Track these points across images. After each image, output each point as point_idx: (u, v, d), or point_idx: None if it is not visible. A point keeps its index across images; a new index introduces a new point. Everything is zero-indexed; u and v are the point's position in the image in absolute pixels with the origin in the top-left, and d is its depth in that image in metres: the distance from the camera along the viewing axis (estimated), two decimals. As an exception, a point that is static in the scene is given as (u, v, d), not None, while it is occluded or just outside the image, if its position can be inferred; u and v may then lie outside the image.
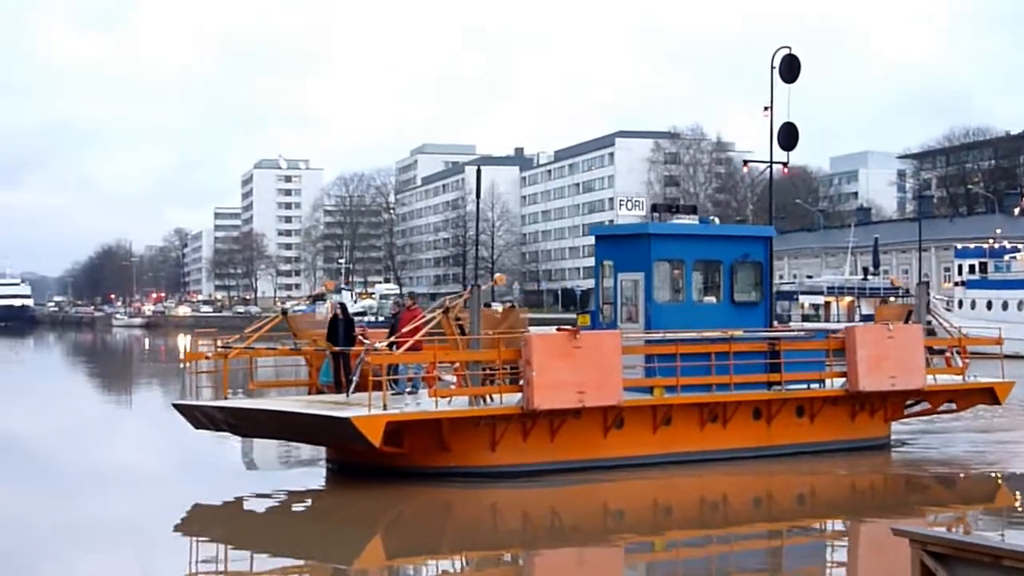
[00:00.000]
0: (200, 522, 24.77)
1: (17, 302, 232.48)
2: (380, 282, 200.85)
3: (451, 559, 22.24)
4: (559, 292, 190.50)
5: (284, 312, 30.09)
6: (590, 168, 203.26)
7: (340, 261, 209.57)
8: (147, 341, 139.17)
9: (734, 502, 27.66)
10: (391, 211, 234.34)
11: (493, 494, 27.01)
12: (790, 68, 32.33)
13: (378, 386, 26.06)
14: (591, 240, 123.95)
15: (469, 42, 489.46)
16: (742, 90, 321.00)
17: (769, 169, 33.46)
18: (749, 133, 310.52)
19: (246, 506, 26.21)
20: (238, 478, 29.60)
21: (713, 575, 21.33)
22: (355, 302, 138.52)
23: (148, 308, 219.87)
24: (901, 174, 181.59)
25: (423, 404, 26.66)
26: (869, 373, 30.81)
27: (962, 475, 30.29)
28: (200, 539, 23.01)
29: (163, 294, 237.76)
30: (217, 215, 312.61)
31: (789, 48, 32.65)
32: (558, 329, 27.72)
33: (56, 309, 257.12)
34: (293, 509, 26.62)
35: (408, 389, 28.32)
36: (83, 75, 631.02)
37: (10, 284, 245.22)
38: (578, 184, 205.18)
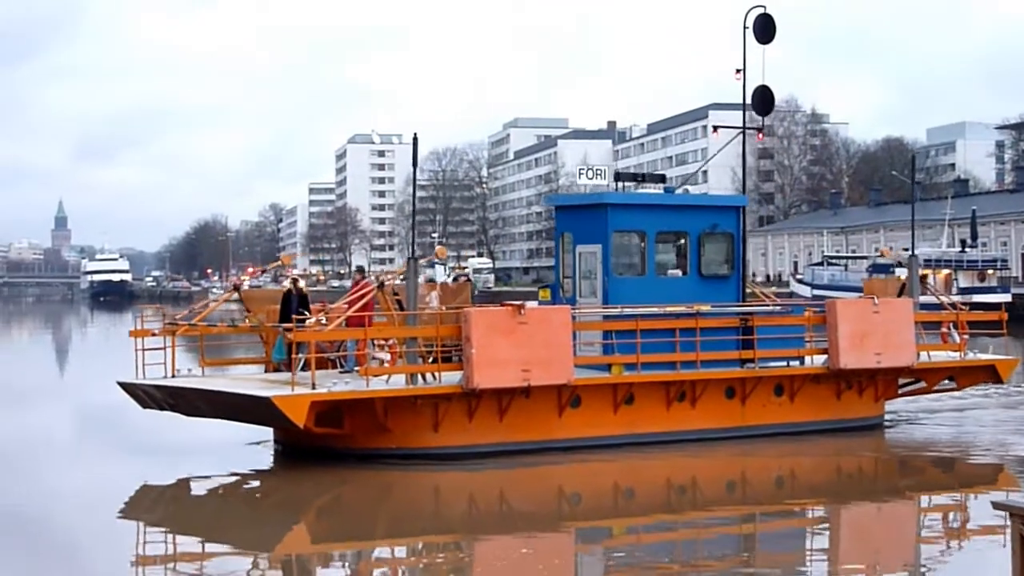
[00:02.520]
0: (144, 502, 24.10)
1: (116, 277, 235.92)
2: (473, 256, 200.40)
3: (384, 545, 21.16)
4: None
5: (236, 288, 29.07)
6: (683, 141, 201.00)
7: (433, 235, 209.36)
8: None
9: (704, 485, 26.17)
10: (484, 185, 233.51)
11: (436, 477, 25.83)
12: (764, 29, 30.64)
13: (318, 364, 25.24)
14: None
15: (562, 16, 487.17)
16: (838, 62, 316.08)
17: (742, 135, 31.74)
18: (845, 104, 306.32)
19: (192, 487, 25.55)
20: (190, 457, 28.60)
21: (678, 562, 19.71)
22: (448, 276, 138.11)
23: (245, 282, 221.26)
24: (999, 145, 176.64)
25: (352, 383, 25.48)
26: (851, 350, 29.17)
27: (961, 457, 28.51)
28: (137, 520, 22.67)
29: (260, 268, 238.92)
30: (311, 190, 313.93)
31: (764, 7, 30.94)
32: (501, 304, 26.42)
33: (154, 284, 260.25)
34: (233, 491, 25.61)
35: (350, 367, 27.24)
36: (181, 56, 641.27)
37: (109, 259, 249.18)
38: (671, 157, 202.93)
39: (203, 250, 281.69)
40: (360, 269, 30.20)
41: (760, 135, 32.39)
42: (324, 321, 26.40)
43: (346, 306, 26.51)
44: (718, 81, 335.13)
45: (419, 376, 25.95)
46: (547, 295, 29.96)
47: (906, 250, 34.08)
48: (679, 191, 31.32)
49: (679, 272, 29.76)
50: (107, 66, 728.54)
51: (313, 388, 24.64)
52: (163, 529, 21.78)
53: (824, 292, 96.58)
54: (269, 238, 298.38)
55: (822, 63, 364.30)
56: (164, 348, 27.61)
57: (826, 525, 23.28)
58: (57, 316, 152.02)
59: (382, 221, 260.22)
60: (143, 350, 27.63)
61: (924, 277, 31.56)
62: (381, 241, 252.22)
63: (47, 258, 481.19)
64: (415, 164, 26.06)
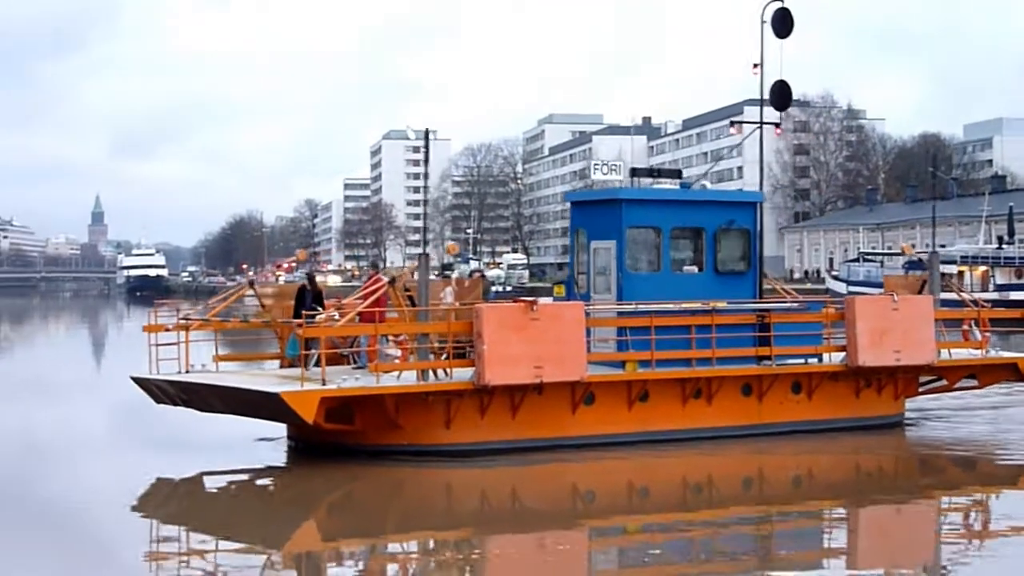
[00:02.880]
0: (157, 497, 24.04)
1: (152, 272, 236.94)
2: (508, 252, 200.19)
3: (395, 542, 21.07)
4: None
5: (251, 283, 28.96)
6: (718, 137, 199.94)
7: (468, 231, 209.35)
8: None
9: (720, 484, 25.91)
10: (518, 181, 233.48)
11: (448, 474, 25.67)
12: (783, 22, 30.25)
13: (332, 360, 25.11)
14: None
15: (596, 12, 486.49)
16: (874, 57, 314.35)
17: (759, 130, 31.40)
18: (881, 100, 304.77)
19: (205, 482, 25.41)
20: (205, 452, 28.55)
21: (693, 561, 19.48)
22: (483, 270, 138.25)
23: (282, 277, 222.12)
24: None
25: (362, 379, 25.34)
26: (870, 347, 28.84)
27: (984, 456, 28.23)
28: (150, 516, 22.58)
29: (292, 263, 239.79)
30: (347, 186, 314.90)
31: (782, 1, 30.56)
32: (514, 300, 26.24)
33: (189, 279, 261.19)
34: (245, 487, 25.55)
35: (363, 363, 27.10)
36: (216, 52, 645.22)
37: (145, 254, 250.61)
38: (706, 153, 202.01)
39: (239, 245, 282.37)
40: (374, 264, 30.16)
41: (778, 130, 31.98)
42: (336, 317, 26.32)
43: (358, 301, 26.35)
44: (753, 77, 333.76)
45: (430, 372, 25.78)
46: (562, 291, 29.79)
47: (936, 248, 33.48)
48: (696, 187, 30.96)
49: (695, 268, 29.45)
50: (145, 61, 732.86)
51: (323, 384, 24.51)
52: (175, 524, 21.68)
53: (860, 288, 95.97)
54: (304, 233, 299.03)
55: (859, 58, 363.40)
56: (178, 343, 27.50)
57: (844, 525, 23.01)
58: (93, 311, 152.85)
59: (417, 217, 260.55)
60: (157, 345, 27.54)
61: (960, 274, 31.13)
62: (416, 236, 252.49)
63: (84, 253, 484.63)
64: (426, 161, 25.97)
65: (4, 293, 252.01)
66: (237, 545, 20.38)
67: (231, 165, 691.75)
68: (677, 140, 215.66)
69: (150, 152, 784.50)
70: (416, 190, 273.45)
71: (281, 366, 28.70)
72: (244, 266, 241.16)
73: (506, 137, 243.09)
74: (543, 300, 27.08)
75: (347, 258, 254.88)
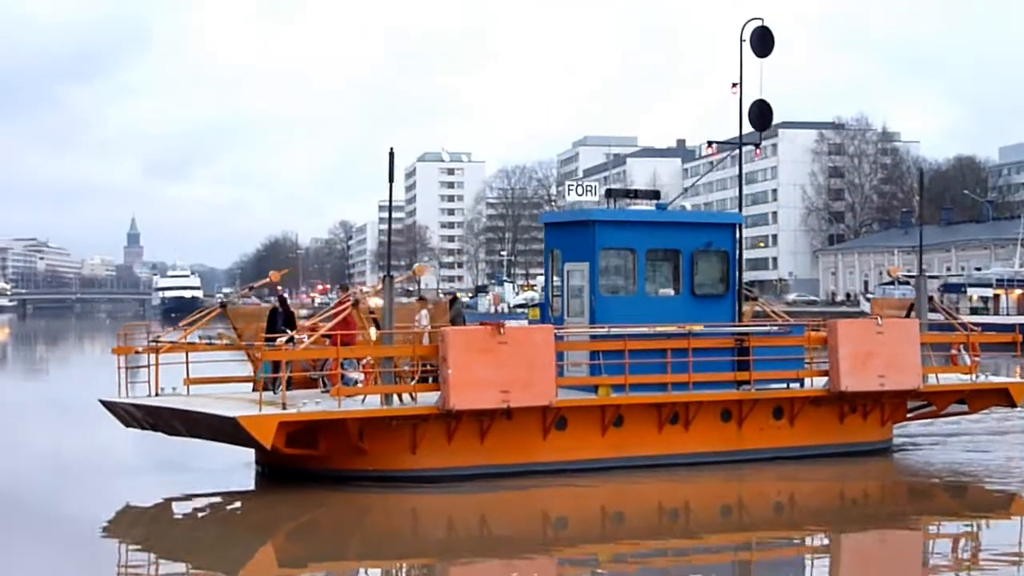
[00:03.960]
0: (124, 522, 23.76)
1: (187, 293, 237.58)
2: (542, 274, 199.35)
3: (355, 568, 20.75)
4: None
5: (223, 305, 28.59)
6: (753, 159, 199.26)
7: (502, 253, 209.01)
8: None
9: (698, 511, 25.36)
10: (553, 203, 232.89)
11: (415, 500, 25.25)
12: (762, 42, 29.77)
13: (303, 383, 25.27)
14: (755, 232, 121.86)
15: (632, 35, 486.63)
16: (909, 80, 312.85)
17: (739, 151, 30.86)
18: (916, 123, 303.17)
19: (174, 507, 25.11)
20: (179, 475, 28.22)
21: None
22: (517, 294, 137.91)
23: (316, 298, 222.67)
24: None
25: (323, 404, 24.92)
26: (853, 372, 28.23)
27: (974, 483, 27.50)
28: (118, 539, 22.46)
29: (328, 286, 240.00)
30: (381, 208, 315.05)
31: (761, 20, 30.08)
32: (481, 323, 25.77)
33: (223, 300, 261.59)
34: (210, 512, 25.20)
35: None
36: (250, 72, 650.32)
37: (180, 275, 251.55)
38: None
39: (273, 267, 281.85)
40: (343, 287, 29.67)
41: (757, 152, 31.42)
42: (305, 339, 25.94)
43: (323, 324, 25.98)
44: (786, 99, 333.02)
45: (395, 397, 25.36)
46: (536, 314, 29.30)
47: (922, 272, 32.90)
48: (674, 207, 30.45)
49: (671, 291, 28.91)
50: (178, 83, 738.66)
51: (284, 408, 24.12)
52: (136, 549, 21.44)
53: (896, 312, 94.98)
54: (339, 255, 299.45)
55: (893, 81, 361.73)
56: (148, 366, 27.18)
57: (827, 553, 22.48)
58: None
59: (451, 239, 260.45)
60: (126, 368, 27.24)
61: (996, 297, 30.42)
62: (450, 259, 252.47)
63: (119, 274, 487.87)
64: (391, 179, 25.49)
65: (40, 314, 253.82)
66: (194, 571, 20.11)
67: (265, 186, 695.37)
68: (711, 163, 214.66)
69: (185, 174, 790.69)
70: (451, 212, 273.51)
71: (254, 389, 28.28)
72: (279, 288, 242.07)
73: (540, 159, 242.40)
74: (513, 323, 26.59)
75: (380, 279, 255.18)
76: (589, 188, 29.06)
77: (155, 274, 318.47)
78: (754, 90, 30.25)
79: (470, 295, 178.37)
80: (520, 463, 26.32)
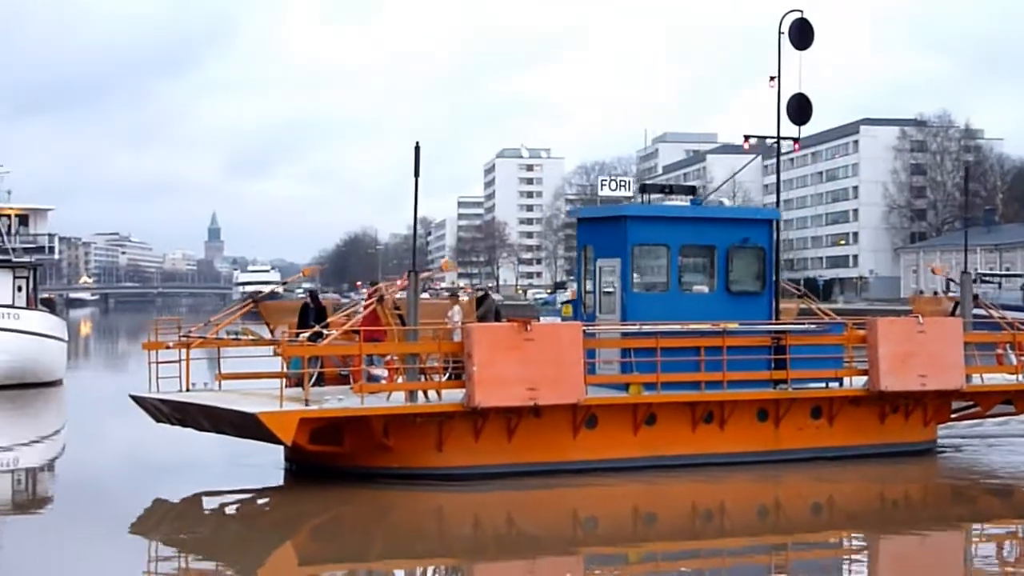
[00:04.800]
0: (153, 518, 23.65)
1: (266, 288, 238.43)
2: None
3: (378, 568, 20.40)
4: (801, 282, 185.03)
5: (255, 301, 28.49)
6: (834, 156, 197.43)
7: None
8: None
9: (733, 511, 24.82)
10: (632, 200, 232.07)
11: (440, 498, 24.96)
12: (802, 34, 29.13)
13: (334, 380, 25.47)
14: (835, 229, 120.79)
15: (714, 29, 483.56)
16: (993, 76, 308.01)
17: (777, 145, 30.24)
18: (1000, 120, 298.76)
19: (203, 502, 25.02)
20: (211, 471, 28.22)
21: None
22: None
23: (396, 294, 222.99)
24: None
25: (346, 400, 24.73)
26: (893, 371, 27.59)
27: (1020, 485, 26.96)
28: (141, 536, 22.31)
29: (407, 280, 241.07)
30: (460, 204, 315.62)
31: (801, 12, 29.44)
32: (507, 320, 25.48)
33: (304, 295, 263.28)
34: (236, 509, 25.08)
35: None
36: (332, 70, 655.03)
37: (260, 270, 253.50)
38: (821, 172, 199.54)
39: (353, 263, 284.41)
40: (373, 282, 29.47)
41: (796, 146, 30.77)
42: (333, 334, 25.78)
43: (344, 319, 25.81)
44: (868, 96, 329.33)
45: (420, 394, 25.13)
46: (569, 311, 28.89)
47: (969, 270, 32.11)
48: (716, 203, 29.97)
49: (705, 288, 28.43)
50: (260, 80, 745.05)
51: (306, 404, 23.95)
52: (160, 544, 21.38)
53: (977, 309, 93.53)
54: (418, 251, 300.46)
55: (977, 78, 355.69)
56: (179, 361, 27.13)
57: (864, 556, 21.86)
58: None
59: (530, 235, 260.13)
60: (157, 363, 27.18)
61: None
62: (529, 255, 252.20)
63: (200, 268, 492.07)
64: (417, 174, 25.22)
65: (122, 308, 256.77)
66: (213, 568, 20.02)
67: (345, 182, 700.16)
68: (792, 159, 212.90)
69: (265, 170, 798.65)
70: (529, 208, 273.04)
71: (287, 385, 28.15)
72: (359, 283, 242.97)
73: (619, 156, 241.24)
74: (548, 320, 26.31)
75: (460, 276, 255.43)
76: (623, 183, 28.64)
77: (235, 269, 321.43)
78: (793, 83, 29.68)
79: (549, 291, 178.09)
80: (549, 462, 25.97)
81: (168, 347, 27.53)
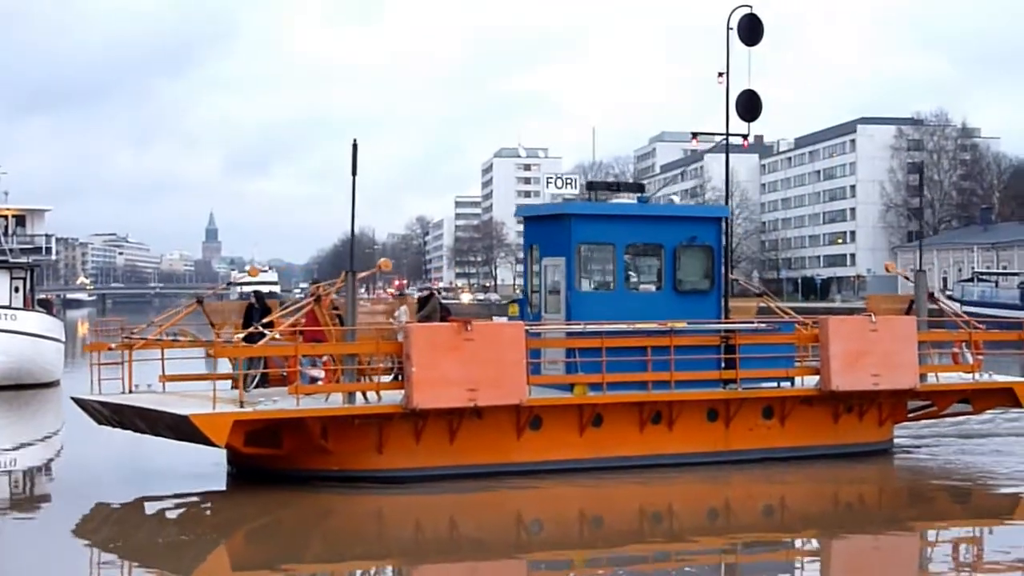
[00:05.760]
0: (94, 521, 23.45)
1: (265, 288, 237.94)
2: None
3: (314, 571, 20.05)
4: (799, 281, 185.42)
5: (200, 300, 28.11)
6: (831, 155, 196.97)
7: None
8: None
9: (682, 513, 24.51)
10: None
11: (381, 500, 24.61)
12: (751, 30, 28.73)
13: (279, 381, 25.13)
14: (833, 228, 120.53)
15: (707, 29, 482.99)
16: (990, 74, 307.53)
17: (725, 142, 29.85)
18: (996, 118, 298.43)
19: (145, 507, 24.60)
20: (156, 475, 27.80)
21: None
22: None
23: (394, 293, 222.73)
24: None
25: (281, 402, 24.36)
26: (844, 370, 27.25)
27: (979, 487, 26.43)
28: (80, 540, 22.16)
29: (405, 281, 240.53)
30: (458, 203, 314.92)
31: (750, 7, 29.05)
32: (448, 320, 25.15)
33: (302, 295, 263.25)
34: (176, 512, 24.59)
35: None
36: (331, 70, 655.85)
37: (258, 271, 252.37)
38: (819, 171, 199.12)
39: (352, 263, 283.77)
40: (315, 281, 29.08)
41: (745, 142, 30.38)
42: (278, 336, 25.47)
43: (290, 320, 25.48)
44: (866, 94, 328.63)
45: (358, 395, 24.78)
46: (515, 310, 28.50)
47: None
48: (665, 201, 29.59)
49: (652, 287, 28.05)
50: (259, 79, 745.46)
51: (241, 406, 23.60)
52: (97, 550, 21.13)
53: (974, 309, 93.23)
54: (416, 251, 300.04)
55: (973, 77, 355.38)
56: (121, 363, 26.78)
57: (817, 559, 21.55)
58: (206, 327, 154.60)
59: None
60: (99, 364, 26.84)
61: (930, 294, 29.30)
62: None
63: (198, 269, 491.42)
64: (354, 172, 24.89)
65: (120, 309, 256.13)
66: (145, 573, 19.69)
67: (343, 183, 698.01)
68: (789, 158, 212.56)
69: (263, 169, 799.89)
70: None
71: (233, 386, 27.80)
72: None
73: (617, 155, 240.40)
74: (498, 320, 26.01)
75: (458, 275, 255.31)
76: (569, 181, 28.28)
77: (233, 269, 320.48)
78: (742, 80, 29.31)
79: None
80: (493, 464, 25.64)
81: (110, 348, 27.19)
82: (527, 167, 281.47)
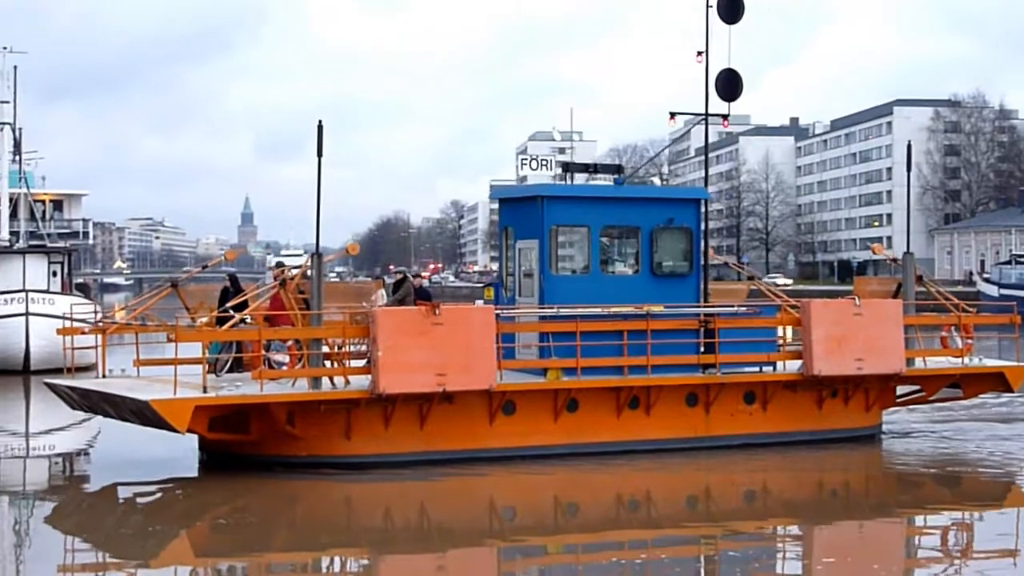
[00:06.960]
0: (67, 508, 23.28)
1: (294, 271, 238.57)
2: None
3: (276, 559, 19.60)
4: (835, 263, 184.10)
5: (174, 284, 27.80)
6: (867, 137, 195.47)
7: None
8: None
9: (660, 500, 23.97)
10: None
11: (349, 487, 24.23)
12: (731, 7, 28.12)
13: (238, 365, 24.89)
14: (868, 211, 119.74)
15: (747, 12, 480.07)
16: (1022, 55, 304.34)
17: (704, 123, 29.25)
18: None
19: (119, 493, 24.31)
20: (135, 462, 27.38)
21: None
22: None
23: (426, 277, 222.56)
24: None
25: (245, 387, 24.03)
26: (827, 355, 26.70)
27: (968, 473, 25.91)
28: (50, 527, 21.89)
29: (440, 264, 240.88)
30: (492, 187, 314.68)
31: (728, -18, 28.43)
32: (416, 303, 24.77)
33: (337, 279, 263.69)
34: (145, 499, 24.26)
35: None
36: (362, 54, 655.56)
37: (294, 255, 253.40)
38: (855, 154, 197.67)
39: (385, 247, 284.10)
40: (279, 264, 28.69)
41: (725, 122, 29.77)
42: (249, 320, 25.17)
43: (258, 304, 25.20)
44: (899, 75, 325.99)
45: (325, 380, 24.42)
46: (490, 294, 28.07)
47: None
48: (647, 183, 29.07)
49: (629, 270, 27.55)
50: (292, 64, 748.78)
51: (204, 391, 23.30)
52: (64, 536, 20.98)
53: (1012, 291, 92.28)
54: (450, 235, 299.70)
55: (1011, 58, 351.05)
56: (96, 347, 26.55)
57: (800, 545, 21.04)
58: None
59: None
60: (73, 349, 26.62)
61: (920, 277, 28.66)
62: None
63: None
64: (319, 153, 24.52)
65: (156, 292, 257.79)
66: (106, 560, 19.40)
67: (378, 166, 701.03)
68: (825, 141, 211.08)
69: (297, 154, 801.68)
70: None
71: (211, 370, 27.48)
72: (391, 267, 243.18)
73: (652, 138, 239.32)
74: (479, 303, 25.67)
75: (492, 259, 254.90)
76: (544, 162, 27.81)
77: (268, 253, 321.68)
78: (723, 59, 28.70)
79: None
80: (464, 450, 25.25)
81: (84, 333, 27.00)
82: (562, 151, 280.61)
